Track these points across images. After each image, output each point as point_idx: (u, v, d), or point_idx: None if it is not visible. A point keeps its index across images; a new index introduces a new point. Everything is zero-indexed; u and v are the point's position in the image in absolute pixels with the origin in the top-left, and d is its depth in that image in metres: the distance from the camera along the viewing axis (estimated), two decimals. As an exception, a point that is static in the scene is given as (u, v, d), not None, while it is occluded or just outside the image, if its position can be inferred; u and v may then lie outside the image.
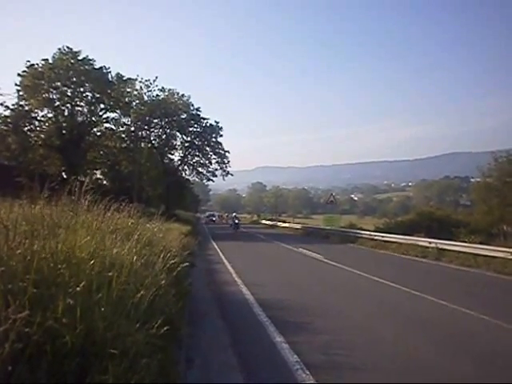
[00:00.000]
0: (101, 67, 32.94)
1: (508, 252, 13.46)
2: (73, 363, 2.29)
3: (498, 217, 27.37)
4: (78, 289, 2.53)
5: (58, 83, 31.06)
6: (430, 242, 17.45)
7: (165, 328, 3.16)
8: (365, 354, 5.25)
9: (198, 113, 39.84)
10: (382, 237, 21.70)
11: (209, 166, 41.79)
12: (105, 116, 35.01)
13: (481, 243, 16.23)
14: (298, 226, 39.53)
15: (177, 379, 3.39)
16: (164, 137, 40.04)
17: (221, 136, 40.65)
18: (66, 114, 32.32)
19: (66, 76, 30.86)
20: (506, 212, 26.97)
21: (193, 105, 39.66)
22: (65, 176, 29.64)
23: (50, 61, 31.19)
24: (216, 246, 21.46)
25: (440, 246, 16.58)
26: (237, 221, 34.83)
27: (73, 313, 2.42)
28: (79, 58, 31.65)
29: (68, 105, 32.19)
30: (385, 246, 20.12)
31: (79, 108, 32.96)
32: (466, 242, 16.94)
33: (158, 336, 3.07)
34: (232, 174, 42.81)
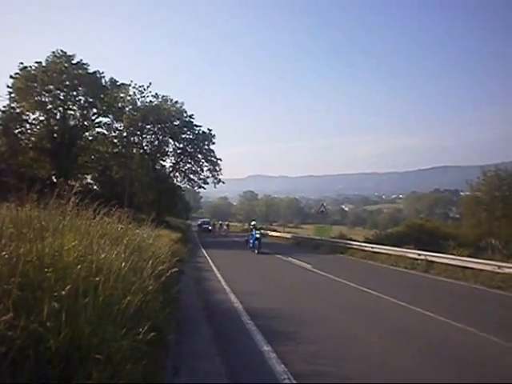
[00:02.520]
0: (94, 72, 32.93)
1: (495, 265, 13.56)
2: (57, 368, 2.26)
3: (486, 230, 27.64)
4: (63, 293, 2.49)
5: (51, 86, 30.96)
6: (419, 254, 17.50)
7: (151, 334, 3.13)
8: (352, 364, 5.24)
9: (191, 120, 39.87)
10: (372, 248, 21.74)
11: (200, 174, 41.74)
12: (97, 120, 35.00)
13: (469, 256, 16.31)
14: (289, 236, 39.49)
15: (159, 380, 3.34)
16: (156, 143, 39.95)
17: (213, 144, 40.70)
18: (57, 117, 32.19)
19: (59, 79, 30.77)
20: (493, 226, 27.27)
21: (186, 112, 39.72)
22: (54, 180, 29.41)
23: (44, 64, 31.09)
24: (206, 254, 21.36)
25: (429, 258, 16.64)
26: (258, 235, 22.66)
27: (58, 317, 2.39)
28: (73, 61, 31.62)
29: (60, 108, 32.06)
30: (374, 257, 20.15)
31: (71, 112, 32.86)
32: (454, 254, 17.03)
33: (145, 342, 3.03)
34: (223, 182, 42.77)
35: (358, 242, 26.18)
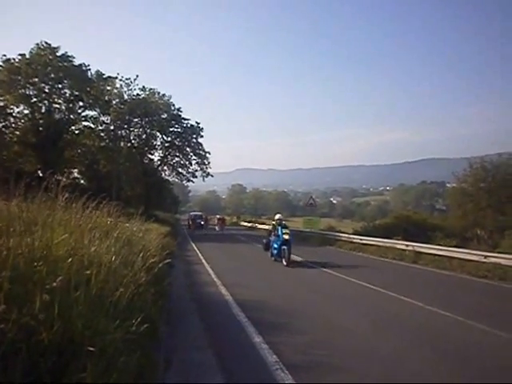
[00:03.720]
0: (80, 64, 32.39)
1: (481, 255, 13.80)
2: (49, 361, 2.23)
3: (471, 221, 28.03)
4: (54, 284, 2.46)
5: (36, 79, 30.39)
6: (407, 245, 17.73)
7: (144, 326, 3.12)
8: (343, 354, 5.30)
9: (179, 113, 39.54)
10: (361, 239, 21.94)
11: (189, 167, 41.47)
12: (83, 114, 34.47)
13: (455, 247, 16.59)
14: (278, 228, 39.55)
15: (155, 378, 3.34)
16: (144, 136, 39.56)
17: (201, 137, 40.43)
18: (42, 110, 31.64)
19: (43, 72, 30.21)
20: (479, 217, 27.66)
21: (173, 105, 39.36)
22: (40, 174, 28.98)
23: (27, 56, 30.49)
24: (195, 247, 21.32)
25: (417, 249, 16.86)
26: (287, 236, 14.70)
27: (50, 310, 2.36)
28: (58, 53, 31.04)
29: (45, 101, 31.52)
30: (363, 249, 20.34)
31: (57, 105, 32.33)
32: (441, 245, 17.29)
33: (138, 334, 3.03)
34: (212, 175, 42.57)
35: (347, 234, 26.38)
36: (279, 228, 15.00)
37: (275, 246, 15.14)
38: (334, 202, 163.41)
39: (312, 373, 4.61)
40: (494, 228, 26.17)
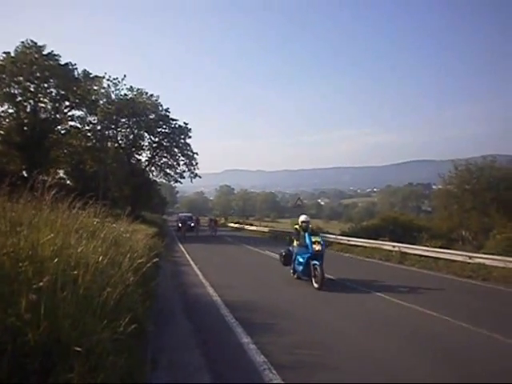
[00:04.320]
0: (66, 63, 32.02)
1: (466, 256, 14.02)
2: (35, 362, 2.21)
3: (457, 222, 28.45)
4: (41, 284, 2.43)
5: (21, 78, 29.95)
6: (393, 246, 17.91)
7: (132, 326, 3.10)
8: (330, 354, 5.33)
9: (167, 113, 39.31)
10: (348, 240, 22.08)
11: (177, 168, 41.24)
12: (70, 114, 34.06)
13: (441, 247, 16.80)
14: (266, 230, 39.65)
15: (142, 379, 3.32)
16: (131, 137, 39.24)
17: (189, 138, 40.25)
18: (28, 110, 31.21)
19: (29, 71, 29.79)
20: (464, 218, 28.08)
21: (161, 105, 39.10)
22: (25, 174, 28.56)
23: (13, 54, 30.04)
24: (183, 249, 21.22)
25: (403, 250, 17.05)
26: (318, 246, 10.60)
27: (36, 310, 2.34)
28: (44, 52, 30.63)
29: (31, 101, 31.08)
30: (350, 250, 20.47)
31: (43, 104, 31.90)
32: (427, 246, 17.51)
33: (125, 335, 3.00)
34: (200, 176, 42.43)
35: (335, 235, 26.52)
36: (306, 235, 10.89)
37: (300, 259, 11.01)
38: (322, 203, 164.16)
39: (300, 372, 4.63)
40: (478, 229, 26.60)
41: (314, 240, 10.64)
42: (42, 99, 31.57)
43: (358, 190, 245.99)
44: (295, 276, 11.55)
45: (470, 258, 13.76)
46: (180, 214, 46.81)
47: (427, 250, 16.11)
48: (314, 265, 10.33)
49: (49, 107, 32.19)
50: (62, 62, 31.62)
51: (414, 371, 4.82)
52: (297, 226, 11.74)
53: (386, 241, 19.94)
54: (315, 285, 10.11)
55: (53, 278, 2.79)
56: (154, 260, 8.30)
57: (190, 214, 46.52)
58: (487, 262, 13.03)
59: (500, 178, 27.80)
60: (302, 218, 11.81)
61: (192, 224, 36.80)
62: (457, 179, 30.06)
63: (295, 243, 11.58)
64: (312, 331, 6.42)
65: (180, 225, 36.30)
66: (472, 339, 6.16)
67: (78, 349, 2.33)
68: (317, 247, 10.48)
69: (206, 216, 51.84)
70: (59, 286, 2.84)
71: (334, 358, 5.16)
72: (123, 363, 2.75)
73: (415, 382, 4.52)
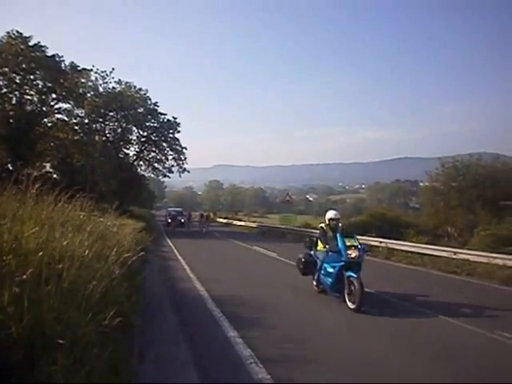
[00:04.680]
0: (53, 55, 31.46)
1: (451, 252, 14.22)
2: (19, 354, 2.19)
3: (443, 219, 28.79)
4: (24, 277, 2.41)
5: (6, 69, 29.38)
6: (380, 242, 18.05)
7: (117, 319, 3.09)
8: (316, 348, 5.38)
9: (156, 107, 39.01)
10: (335, 236, 22.20)
11: (165, 162, 40.94)
12: (57, 106, 33.52)
13: (427, 243, 17.01)
14: (254, 225, 39.71)
15: (128, 372, 3.32)
16: (119, 131, 38.85)
17: (178, 132, 39.98)
18: (13, 102, 30.67)
19: (14, 62, 29.22)
20: (450, 215, 28.43)
21: (150, 99, 38.73)
22: (11, 167, 28.12)
23: (-3, 45, 29.47)
24: (171, 243, 21.17)
25: (390, 246, 17.21)
26: (354, 253, 8.00)
27: (19, 303, 2.32)
28: (30, 43, 30.07)
29: (16, 92, 30.54)
30: (338, 245, 20.59)
31: (29, 97, 31.36)
32: (413, 242, 17.70)
33: (110, 328, 3.00)
34: (189, 171, 42.20)
35: (322, 230, 26.65)
36: (338, 236, 8.33)
37: (329, 269, 8.42)
38: (311, 199, 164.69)
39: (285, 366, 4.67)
40: (464, 226, 26.95)
41: (348, 244, 8.08)
42: (27, 91, 31.05)
43: (347, 187, 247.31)
44: (319, 289, 9.05)
45: (455, 253, 13.97)
46: (169, 209, 45.25)
47: (413, 246, 16.30)
48: (350, 277, 7.77)
49: (35, 99, 31.68)
50: (49, 54, 31.10)
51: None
52: (323, 225, 9.20)
53: (372, 236, 20.12)
54: (350, 304, 7.59)
55: (37, 271, 2.77)
56: (141, 254, 8.28)
57: (180, 209, 44.14)
58: (471, 257, 13.23)
59: (485, 176, 28.17)
60: (331, 214, 9.24)
61: (182, 220, 35.60)
62: (443, 176, 30.39)
63: (320, 246, 9.06)
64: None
65: (170, 220, 35.31)
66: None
67: (61, 341, 2.32)
68: (353, 253, 7.94)
69: (197, 211, 49.96)
70: (43, 280, 2.82)
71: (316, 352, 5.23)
72: (108, 356, 2.75)
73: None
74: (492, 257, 12.57)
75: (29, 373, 2.17)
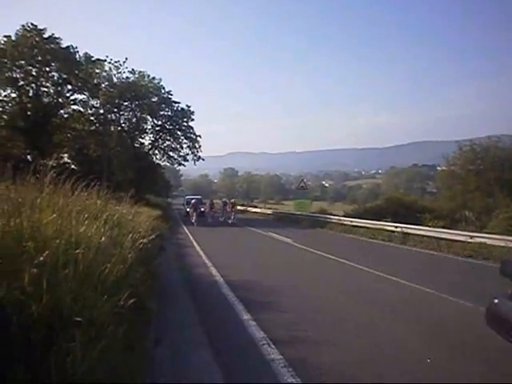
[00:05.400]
0: (68, 46, 31.76)
1: (467, 236, 14.10)
2: (39, 333, 2.33)
3: (460, 203, 28.42)
4: (42, 259, 2.55)
5: (22, 62, 29.80)
6: (396, 227, 17.99)
7: (132, 300, 3.22)
8: (328, 330, 5.48)
9: (169, 96, 39.11)
10: (351, 222, 22.19)
11: (180, 151, 41.19)
12: (72, 98, 33.93)
13: (443, 227, 16.88)
14: (269, 212, 39.83)
15: (142, 350, 3.47)
16: (134, 120, 39.15)
17: (192, 120, 40.09)
18: (30, 94, 31.12)
19: (30, 54, 29.61)
20: (468, 198, 28.05)
21: (164, 88, 38.85)
22: (30, 159, 28.68)
23: (13, 38, 29.84)
24: (187, 231, 21.45)
25: (405, 231, 17.13)
26: None
27: (39, 283, 2.45)
28: (44, 35, 30.39)
29: (33, 85, 30.97)
30: (353, 231, 20.61)
31: (45, 88, 31.79)
32: (429, 226, 17.58)
33: (125, 308, 3.13)
34: (203, 159, 42.37)
35: (338, 216, 26.64)
36: None
37: None
38: (326, 185, 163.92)
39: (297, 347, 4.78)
40: (482, 209, 26.57)
41: None
42: (44, 83, 31.47)
43: (363, 172, 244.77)
44: None
45: (471, 237, 13.84)
46: (187, 197, 39.74)
47: (429, 231, 16.19)
48: None
49: (51, 91, 32.10)
50: (63, 46, 31.40)
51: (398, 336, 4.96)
52: None
53: (388, 222, 20.04)
54: None
55: (55, 257, 2.90)
56: (157, 241, 8.46)
57: (199, 197, 36.95)
58: (488, 241, 13.11)
59: (504, 158, 27.66)
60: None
61: (202, 209, 30.34)
62: (461, 160, 29.94)
63: None
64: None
65: (188, 210, 30.52)
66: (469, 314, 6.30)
67: (79, 319, 2.46)
68: None
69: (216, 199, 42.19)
70: (61, 264, 2.95)
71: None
72: (123, 335, 2.89)
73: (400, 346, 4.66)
74: (509, 240, 12.43)
75: (48, 350, 2.32)
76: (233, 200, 30.29)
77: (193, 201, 29.20)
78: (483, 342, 4.86)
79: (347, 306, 6.90)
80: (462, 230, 16.51)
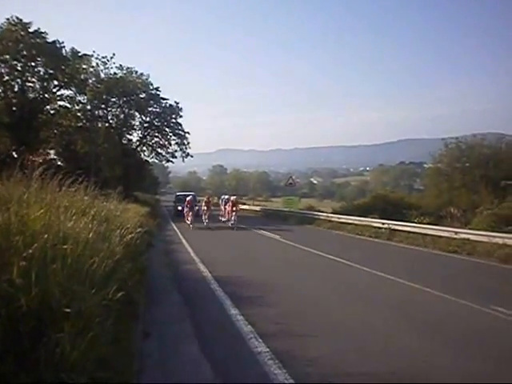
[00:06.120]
0: (54, 41, 31.32)
1: (452, 232, 14.35)
2: (28, 326, 2.36)
3: (446, 200, 28.77)
4: (30, 251, 2.57)
5: (7, 56, 29.31)
6: (383, 223, 18.19)
7: (119, 294, 3.27)
8: (314, 324, 5.59)
9: (158, 92, 38.84)
10: (339, 218, 22.39)
11: (168, 147, 40.98)
12: (59, 93, 33.48)
13: (429, 224, 17.13)
14: (258, 208, 39.90)
15: (130, 347, 3.51)
16: (122, 116, 38.79)
17: (181, 117, 39.88)
18: (16, 89, 30.66)
19: (15, 49, 29.14)
20: (453, 195, 28.43)
21: (152, 84, 38.52)
22: (15, 155, 28.29)
23: (-2, 32, 29.35)
24: (175, 227, 21.40)
25: (392, 227, 17.34)
26: None
27: (28, 276, 2.48)
28: (30, 30, 29.93)
29: (18, 80, 30.51)
30: (341, 227, 20.79)
31: (31, 84, 31.31)
32: (415, 223, 17.82)
33: (113, 301, 3.17)
34: (192, 156, 42.21)
35: (326, 213, 26.83)
36: None
37: None
38: (315, 182, 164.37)
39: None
40: (467, 206, 26.96)
41: None
42: (29, 78, 31.00)
43: (351, 169, 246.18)
44: None
45: (456, 233, 14.10)
46: (178, 193, 35.73)
47: (415, 227, 16.43)
48: None
49: (37, 86, 31.65)
50: (49, 40, 30.97)
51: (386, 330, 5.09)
52: None
53: (375, 218, 20.24)
54: None
55: (43, 251, 2.93)
56: (145, 237, 8.48)
57: (193, 193, 30.24)
58: (472, 237, 13.36)
59: (489, 156, 28.10)
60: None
61: (197, 208, 24.15)
62: (447, 157, 30.31)
63: None
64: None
65: (180, 208, 26.85)
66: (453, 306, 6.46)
67: (67, 310, 2.50)
68: None
69: (201, 195, 38.45)
70: (49, 259, 2.98)
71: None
72: (111, 327, 2.93)
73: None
74: (492, 236, 12.69)
75: (37, 341, 2.35)
76: (234, 197, 23.09)
77: (188, 197, 23.02)
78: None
79: (332, 299, 7.02)
80: (447, 226, 16.78)
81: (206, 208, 22.20)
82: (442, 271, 10.04)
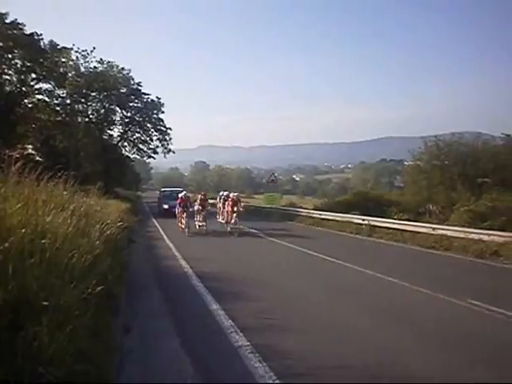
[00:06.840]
0: (31, 33, 30.60)
1: (430, 228, 14.65)
2: (5, 320, 2.34)
3: (425, 197, 29.32)
4: (6, 245, 2.55)
5: (-19, 47, 28.59)
6: (363, 220, 18.44)
7: (99, 288, 3.26)
8: (294, 318, 5.67)
9: (139, 88, 38.43)
10: (320, 215, 22.59)
11: (150, 143, 40.62)
12: (37, 86, 32.79)
13: (408, 220, 17.44)
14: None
15: (109, 340, 3.50)
16: (103, 111, 38.23)
17: (162, 113, 39.53)
18: (-9, 82, 29.95)
19: (-10, 40, 28.43)
20: (432, 192, 28.98)
21: (133, 79, 38.05)
22: (-9, 149, 27.57)
23: (-28, 22, 28.54)
24: (157, 224, 21.25)
25: (372, 223, 17.59)
26: None
27: (4, 270, 2.46)
28: (6, 21, 29.18)
29: (-6, 72, 29.81)
30: (322, 224, 20.97)
31: (7, 76, 30.63)
32: (395, 219, 18.12)
33: (92, 295, 3.17)
34: (174, 152, 41.94)
35: (308, 209, 27.03)
36: None
37: None
38: (297, 179, 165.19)
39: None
40: (445, 203, 27.53)
41: None
42: (6, 71, 30.29)
43: (333, 166, 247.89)
44: None
45: (434, 229, 14.39)
46: (164, 189, 32.55)
47: (394, 223, 16.71)
48: None
49: (14, 79, 30.96)
50: (27, 32, 30.23)
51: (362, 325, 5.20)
52: None
53: (356, 215, 20.49)
54: None
55: (20, 245, 2.90)
56: (126, 233, 8.42)
57: (180, 189, 27.35)
58: (449, 233, 13.67)
59: (466, 154, 28.69)
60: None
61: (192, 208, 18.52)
62: (426, 155, 30.83)
63: None
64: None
65: (166, 207, 24.30)
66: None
67: (46, 303, 2.48)
68: None
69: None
70: (27, 253, 2.95)
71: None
72: (91, 321, 2.93)
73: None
74: (468, 232, 13.02)
75: (15, 335, 2.34)
76: (236, 194, 19.22)
77: (181, 194, 18.85)
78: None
79: (312, 293, 7.11)
80: (426, 222, 17.12)
81: (200, 207, 18.06)
82: (418, 266, 10.27)
